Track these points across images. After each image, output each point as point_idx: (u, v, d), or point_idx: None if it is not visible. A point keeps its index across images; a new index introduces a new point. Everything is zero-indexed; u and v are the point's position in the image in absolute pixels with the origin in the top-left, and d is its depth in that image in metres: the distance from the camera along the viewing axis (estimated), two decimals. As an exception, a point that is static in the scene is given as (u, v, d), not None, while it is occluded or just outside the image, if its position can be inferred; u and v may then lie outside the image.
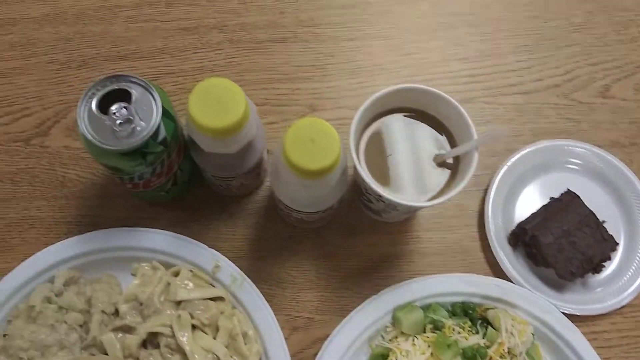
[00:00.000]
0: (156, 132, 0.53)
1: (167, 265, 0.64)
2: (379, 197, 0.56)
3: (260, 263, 0.66)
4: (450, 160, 0.58)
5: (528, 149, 0.70)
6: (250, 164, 0.60)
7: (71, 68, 0.72)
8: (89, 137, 0.52)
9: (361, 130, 0.59)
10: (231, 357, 0.60)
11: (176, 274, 0.63)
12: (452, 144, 0.59)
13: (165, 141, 0.54)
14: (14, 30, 0.73)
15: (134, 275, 0.65)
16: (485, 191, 0.69)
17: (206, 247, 0.64)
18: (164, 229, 0.65)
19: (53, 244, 0.64)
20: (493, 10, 0.78)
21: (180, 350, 0.59)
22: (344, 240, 0.68)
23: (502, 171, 0.69)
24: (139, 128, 0.53)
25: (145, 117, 0.53)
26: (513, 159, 0.70)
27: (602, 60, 0.76)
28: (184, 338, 0.59)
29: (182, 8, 0.75)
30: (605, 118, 0.73)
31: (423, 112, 0.60)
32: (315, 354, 0.62)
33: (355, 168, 0.56)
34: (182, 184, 0.65)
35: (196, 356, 0.58)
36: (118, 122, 0.52)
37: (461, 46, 0.76)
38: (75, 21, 0.74)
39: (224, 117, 0.51)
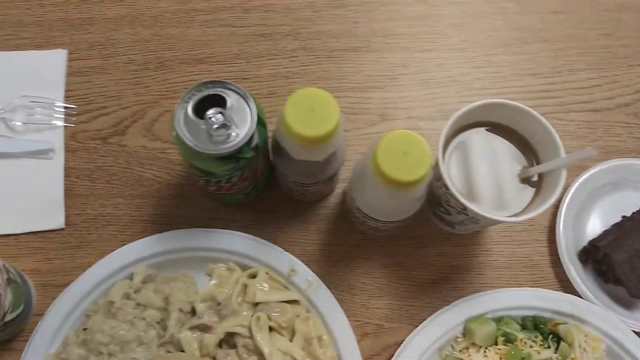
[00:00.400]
0: (251, 138, 0.54)
1: (243, 267, 0.65)
2: (463, 210, 0.57)
3: (331, 268, 0.67)
4: (534, 178, 0.59)
5: (599, 167, 0.71)
6: (332, 171, 0.61)
7: (148, 69, 0.74)
8: (186, 140, 0.53)
9: (446, 143, 0.59)
10: (309, 356, 0.60)
11: (252, 276, 0.64)
12: (535, 161, 0.59)
13: (257, 147, 0.55)
14: (92, 29, 0.75)
15: (209, 275, 0.66)
16: (557, 207, 0.69)
17: (282, 250, 0.65)
18: (239, 231, 0.66)
19: (129, 241, 0.65)
20: (565, 26, 0.78)
21: (257, 351, 0.60)
22: (413, 250, 0.68)
23: (573, 188, 0.69)
24: (234, 134, 0.54)
25: (240, 123, 0.54)
26: (584, 176, 0.70)
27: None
28: (262, 339, 0.59)
29: (258, 14, 0.77)
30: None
31: (506, 126, 0.60)
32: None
33: (441, 179, 0.56)
34: (260, 187, 0.66)
35: (274, 358, 0.59)
36: (215, 126, 0.53)
37: (533, 61, 0.76)
38: (153, 23, 0.76)
39: (318, 126, 0.52)
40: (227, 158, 0.54)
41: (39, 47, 0.74)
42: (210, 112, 0.53)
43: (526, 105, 0.57)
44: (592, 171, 0.70)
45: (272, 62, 0.75)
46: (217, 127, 0.53)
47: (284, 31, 0.76)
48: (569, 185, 0.70)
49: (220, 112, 0.53)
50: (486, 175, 0.59)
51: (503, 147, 0.60)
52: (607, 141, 0.73)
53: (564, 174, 0.55)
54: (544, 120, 0.56)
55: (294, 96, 0.53)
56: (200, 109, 0.54)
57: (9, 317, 0.58)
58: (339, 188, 0.71)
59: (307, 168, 0.59)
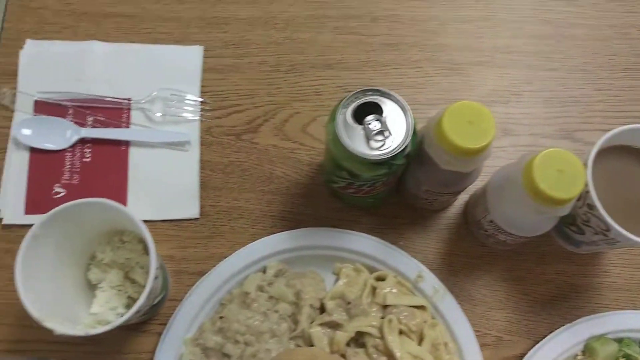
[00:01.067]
0: (405, 148, 0.56)
1: (370, 269, 0.67)
2: (604, 231, 0.58)
3: (451, 277, 0.69)
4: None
5: None
6: (470, 182, 0.62)
7: (280, 71, 0.76)
8: (345, 142, 0.55)
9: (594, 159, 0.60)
10: (436, 364, 0.62)
11: (379, 279, 0.66)
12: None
13: (409, 155, 0.57)
14: (227, 29, 0.78)
15: (334, 274, 0.68)
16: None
17: (409, 256, 0.67)
18: (364, 233, 0.68)
19: (259, 235, 0.68)
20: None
21: (387, 352, 0.62)
22: (534, 266, 0.70)
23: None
24: (389, 141, 0.55)
25: (395, 131, 0.56)
26: None
27: None
28: (393, 342, 0.61)
29: (385, 24, 0.79)
30: None
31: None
32: (503, 373, 0.64)
33: (587, 199, 0.57)
34: (389, 193, 0.68)
35: (404, 360, 0.61)
36: (374, 132, 0.55)
37: (657, 86, 0.77)
38: (285, 27, 0.78)
39: (476, 138, 0.54)
40: (381, 164, 0.56)
41: (177, 42, 0.77)
42: (369, 118, 0.55)
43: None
44: None
45: (397, 71, 0.77)
46: (375, 133, 0.55)
47: (410, 42, 0.78)
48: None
49: (378, 119, 0.55)
50: (630, 198, 0.60)
51: (641, 171, 0.61)
52: None
53: None
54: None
55: (452, 108, 0.55)
56: (357, 115, 0.56)
57: (155, 301, 0.61)
58: (461, 199, 0.72)
59: (449, 178, 0.61)
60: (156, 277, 0.54)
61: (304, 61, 0.77)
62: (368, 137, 0.55)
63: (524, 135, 0.74)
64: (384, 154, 0.55)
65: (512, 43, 0.79)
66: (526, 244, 0.70)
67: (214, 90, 0.75)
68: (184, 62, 0.76)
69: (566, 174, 0.54)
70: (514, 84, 0.77)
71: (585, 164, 0.58)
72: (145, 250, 0.62)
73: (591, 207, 0.57)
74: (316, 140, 0.73)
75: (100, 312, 0.60)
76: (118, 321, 0.52)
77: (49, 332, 0.53)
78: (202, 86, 0.75)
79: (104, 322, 0.57)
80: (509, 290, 0.69)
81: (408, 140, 0.56)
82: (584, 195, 0.58)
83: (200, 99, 0.74)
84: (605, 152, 0.61)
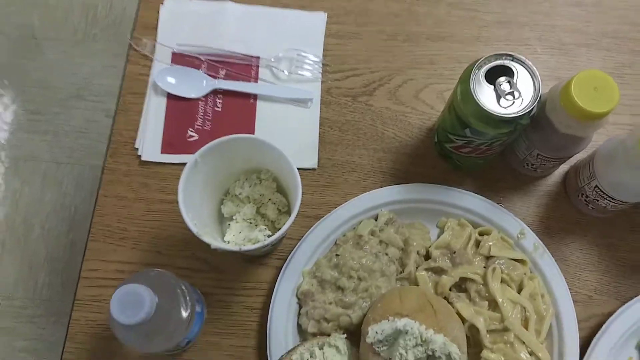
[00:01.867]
0: (532, 110, 0.61)
1: (474, 224, 0.73)
2: None
3: (548, 239, 0.73)
4: None
5: None
6: (582, 148, 0.67)
7: (397, 40, 0.82)
8: (477, 99, 0.60)
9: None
10: (533, 312, 0.67)
11: (483, 234, 0.72)
12: None
13: (533, 117, 0.63)
14: (350, -2, 0.84)
15: (439, 227, 0.74)
16: None
17: (513, 215, 0.72)
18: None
19: (370, 188, 0.75)
20: None
21: (489, 298, 0.67)
22: (627, 234, 0.74)
23: None
24: (518, 101, 0.61)
25: (524, 92, 0.61)
26: None
27: None
28: (496, 288, 0.67)
29: (498, 2, 0.84)
30: None
31: None
32: (592, 327, 0.69)
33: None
34: (495, 156, 0.73)
35: (506, 305, 0.66)
36: (506, 92, 0.60)
37: None
38: (404, 0, 0.84)
39: (602, 104, 0.59)
40: (507, 122, 0.61)
41: (303, 7, 0.84)
42: (501, 79, 0.61)
43: None
44: None
45: (507, 47, 0.82)
46: (507, 94, 0.61)
47: (521, 21, 0.83)
48: None
49: (509, 81, 0.61)
50: None
51: None
52: None
53: None
54: None
55: (580, 74, 0.60)
56: (489, 76, 0.62)
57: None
58: (560, 169, 0.77)
59: (564, 143, 0.66)
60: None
61: (420, 32, 0.83)
62: (499, 96, 0.61)
63: (625, 115, 0.79)
64: (513, 113, 0.61)
65: (619, 29, 0.83)
66: (619, 214, 0.74)
67: (335, 54, 0.82)
68: (309, 26, 0.83)
69: (681, 141, 0.58)
70: (617, 66, 0.81)
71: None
72: (278, 189, 0.69)
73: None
74: (427, 105, 0.79)
75: (232, 241, 0.67)
76: (268, 240, 0.59)
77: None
78: (324, 50, 0.82)
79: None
80: (601, 254, 0.74)
81: (536, 102, 0.61)
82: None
83: (322, 61, 0.81)
84: None
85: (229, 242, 0.68)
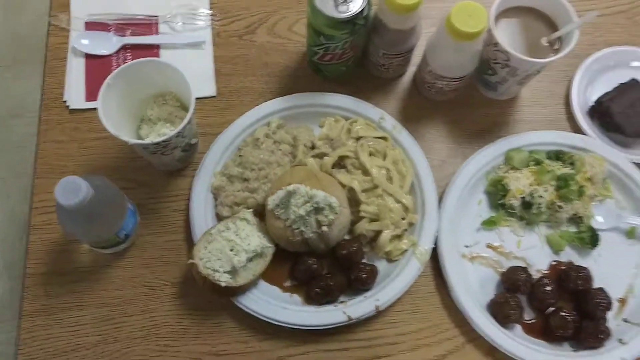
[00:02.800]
0: (362, 10, 0.80)
1: (346, 119, 0.91)
2: (506, 61, 0.83)
3: (405, 122, 0.92)
4: (556, 45, 0.84)
5: (602, 52, 0.97)
6: (414, 42, 0.87)
7: (268, -12, 1.01)
8: (322, 9, 0.79)
9: (496, 17, 0.85)
10: (396, 172, 0.86)
11: (353, 123, 0.91)
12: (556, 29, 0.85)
13: (366, 18, 0.82)
14: (225, -38, 1.02)
15: (320, 126, 0.92)
16: (570, 80, 0.95)
17: (374, 105, 0.91)
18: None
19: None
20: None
21: (361, 167, 0.86)
22: (466, 111, 0.95)
23: (582, 67, 0.96)
24: (352, 6, 0.80)
25: (356, 0, 0.80)
26: (590, 59, 0.96)
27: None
28: (365, 158, 0.85)
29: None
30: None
31: (534, 9, 0.86)
32: (445, 184, 0.88)
33: (492, 39, 0.82)
34: (354, 64, 0.92)
35: (373, 170, 0.85)
36: (341, 1, 0.79)
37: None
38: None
39: (409, -2, 0.79)
40: (347, 22, 0.80)
41: (188, -26, 1.01)
42: (336, -9, 0.80)
43: None
44: (597, 54, 0.96)
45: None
46: (342, 2, 0.80)
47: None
48: (580, 64, 0.95)
49: (343, -7, 0.80)
50: (524, 42, 0.85)
51: (536, 23, 0.86)
52: (608, 37, 0.99)
53: (576, 33, 0.81)
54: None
55: (391, -20, 0.80)
56: (328, -8, 0.81)
57: (193, 141, 0.85)
58: (410, 72, 0.97)
59: (397, 37, 0.85)
60: (190, 120, 0.77)
61: (287, -20, 1.02)
62: (336, 4, 0.80)
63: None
64: (348, 14, 0.79)
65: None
66: (460, 97, 0.94)
67: (220, 6, 1.00)
68: (195, -13, 1.00)
69: (474, 17, 0.78)
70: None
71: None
72: (183, 107, 0.86)
73: (495, 44, 0.82)
74: (300, 35, 0.98)
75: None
76: (174, 131, 0.75)
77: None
78: (211, 3, 1.00)
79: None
80: (449, 128, 0.94)
81: (364, 4, 0.80)
82: (490, 39, 0.83)
83: (210, 12, 0.99)
84: (509, 11, 0.86)
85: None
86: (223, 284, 0.77)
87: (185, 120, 0.76)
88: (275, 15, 0.99)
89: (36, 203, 0.87)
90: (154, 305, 0.83)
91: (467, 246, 0.88)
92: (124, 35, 0.96)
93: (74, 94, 0.93)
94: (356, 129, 0.89)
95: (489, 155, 0.89)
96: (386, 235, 0.84)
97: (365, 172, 0.86)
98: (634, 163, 0.89)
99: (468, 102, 0.95)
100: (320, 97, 0.92)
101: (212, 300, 0.83)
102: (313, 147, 0.90)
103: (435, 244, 0.85)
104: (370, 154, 0.87)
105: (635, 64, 0.97)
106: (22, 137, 1.78)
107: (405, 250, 0.85)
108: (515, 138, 0.90)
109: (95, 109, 0.77)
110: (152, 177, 0.89)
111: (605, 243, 0.88)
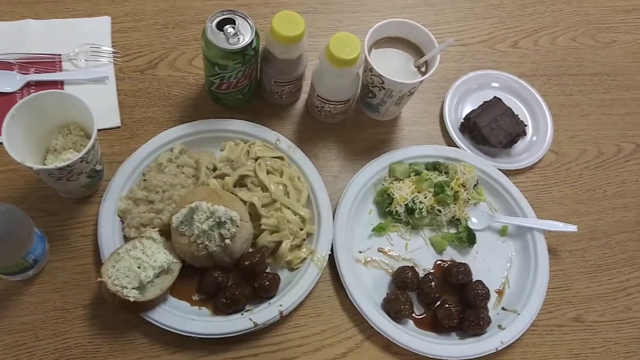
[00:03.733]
0: (251, 42, 0.89)
1: (244, 142, 0.99)
2: (381, 84, 0.94)
3: (302, 144, 1.01)
4: (423, 68, 0.97)
5: (468, 75, 1.11)
6: (301, 70, 0.97)
7: (168, 28, 1.09)
8: (214, 42, 0.88)
9: (370, 46, 0.96)
10: (293, 188, 0.94)
11: (251, 145, 0.99)
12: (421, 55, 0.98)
13: (255, 49, 0.91)
14: (126, 4, 1.10)
15: (222, 150, 0.99)
16: (442, 101, 1.08)
17: (270, 129, 1.00)
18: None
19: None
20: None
21: (260, 184, 0.93)
22: (354, 131, 1.05)
23: (452, 87, 1.09)
24: (241, 40, 0.89)
25: (245, 34, 0.89)
26: (460, 80, 1.10)
27: (512, 26, 1.19)
28: (263, 177, 0.93)
29: (239, -8, 1.14)
30: (515, 59, 1.15)
31: (404, 39, 0.99)
32: (339, 197, 0.98)
33: (368, 66, 0.93)
34: (250, 92, 1.01)
35: (272, 186, 0.93)
36: (231, 34, 0.88)
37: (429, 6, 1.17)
38: (168, -1, 1.11)
39: (293, 30, 0.89)
40: (238, 53, 0.89)
41: (91, 15, 1.08)
42: (227, 26, 0.89)
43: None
44: (463, 78, 1.10)
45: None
46: (232, 35, 0.88)
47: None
48: (450, 86, 1.09)
49: (233, 27, 0.89)
50: (396, 67, 0.97)
51: (404, 52, 0.98)
52: (471, 62, 1.14)
53: (438, 57, 0.93)
54: (424, 28, 0.95)
55: (277, 16, 0.89)
56: (219, 26, 0.89)
57: (98, 167, 0.90)
58: (302, 99, 1.06)
59: (285, 66, 0.95)
60: (93, 145, 0.83)
61: (184, 20, 1.10)
62: (227, 38, 0.88)
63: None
64: (238, 46, 0.88)
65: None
66: (348, 119, 1.05)
67: (122, 44, 1.06)
68: (98, 27, 1.07)
69: (350, 46, 0.89)
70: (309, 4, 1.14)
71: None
72: (87, 136, 0.90)
73: (371, 69, 0.93)
74: (199, 69, 1.06)
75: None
76: (77, 156, 0.80)
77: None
78: (113, 42, 1.06)
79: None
80: (339, 147, 1.03)
81: (252, 37, 0.89)
82: (366, 65, 0.94)
83: (112, 49, 1.05)
84: (382, 40, 0.98)
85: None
86: (132, 299, 0.81)
87: (88, 145, 0.81)
88: (174, 51, 1.07)
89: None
90: (65, 327, 0.86)
91: (360, 251, 0.96)
92: (28, 73, 1.01)
93: (-20, 130, 0.95)
94: (254, 150, 0.96)
95: (374, 169, 0.99)
96: (286, 245, 0.91)
97: (264, 189, 0.93)
98: (500, 170, 1.02)
99: (355, 124, 1.06)
100: (220, 122, 1.00)
101: (123, 319, 0.87)
102: (215, 169, 0.97)
103: (332, 251, 0.93)
104: (268, 172, 0.95)
105: (495, 84, 1.12)
106: None
107: (305, 259, 0.93)
108: (396, 152, 1.01)
109: (1, 143, 0.80)
110: (59, 205, 0.93)
111: (482, 241, 0.99)
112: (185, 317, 0.86)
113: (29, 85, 1.00)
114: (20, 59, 1.02)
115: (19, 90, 0.99)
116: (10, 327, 0.85)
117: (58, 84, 1.01)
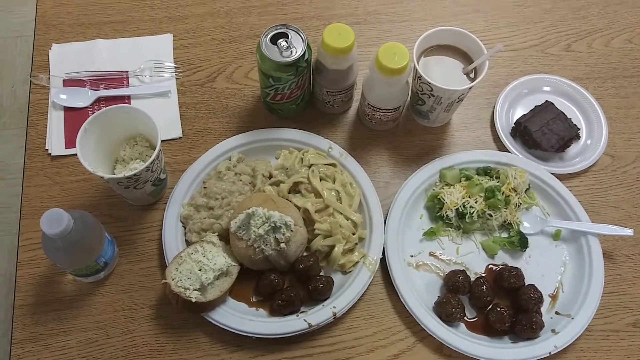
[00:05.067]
0: (303, 55, 0.93)
1: (298, 150, 1.03)
2: (430, 91, 0.96)
3: (353, 151, 1.04)
4: (472, 74, 0.98)
5: (519, 80, 1.11)
6: (352, 80, 1.00)
7: (225, 43, 1.14)
8: (268, 55, 0.92)
9: (419, 55, 0.99)
10: (345, 194, 0.98)
11: (305, 154, 1.03)
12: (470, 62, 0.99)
13: (307, 61, 0.95)
14: (187, 21, 1.16)
15: (277, 158, 1.04)
16: (493, 106, 1.09)
17: (323, 137, 1.03)
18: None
19: (224, 142, 1.04)
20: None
21: (314, 190, 0.97)
22: (405, 138, 1.07)
23: (503, 93, 1.09)
24: (294, 53, 0.93)
25: (297, 47, 0.94)
26: (510, 86, 1.10)
27: (564, 29, 1.18)
28: (317, 183, 0.97)
29: (293, 5, 1.18)
30: (568, 63, 1.14)
31: (454, 46, 1.01)
32: (390, 202, 1.00)
33: (417, 74, 0.96)
34: (304, 102, 1.05)
35: (325, 192, 0.96)
36: (284, 48, 0.93)
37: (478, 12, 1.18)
38: (225, 15, 1.17)
39: (343, 42, 0.92)
40: (291, 65, 0.93)
41: (154, 33, 1.15)
42: (280, 40, 0.93)
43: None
44: (515, 82, 1.10)
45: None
46: (285, 49, 0.93)
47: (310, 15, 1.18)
48: (501, 91, 1.09)
49: (286, 41, 0.93)
50: (445, 74, 0.99)
51: (453, 59, 1.00)
52: (524, 67, 1.14)
53: (486, 63, 0.95)
54: (472, 35, 0.97)
55: (327, 29, 0.93)
56: (273, 40, 0.94)
57: (162, 176, 0.96)
58: (354, 107, 1.10)
59: (336, 76, 0.99)
60: (158, 155, 0.88)
61: (240, 35, 1.15)
62: (280, 51, 0.93)
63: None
64: (291, 59, 0.93)
65: None
66: (398, 126, 1.07)
67: (182, 60, 1.13)
68: (161, 44, 1.14)
69: (398, 55, 0.92)
70: (362, 15, 1.17)
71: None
72: (152, 147, 0.97)
73: (420, 77, 0.95)
74: (255, 81, 1.11)
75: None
76: (143, 165, 0.86)
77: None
78: (175, 57, 1.13)
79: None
80: (390, 154, 1.06)
81: (304, 49, 0.93)
82: (416, 73, 0.97)
83: (174, 65, 1.12)
84: (431, 49, 1.00)
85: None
86: (194, 300, 0.86)
87: (154, 155, 0.87)
88: (232, 65, 1.12)
89: (23, 241, 0.96)
90: (133, 326, 0.92)
91: (412, 255, 0.98)
92: (98, 89, 1.08)
93: (55, 143, 1.04)
94: (308, 157, 1.00)
95: (425, 175, 1.01)
96: (338, 249, 0.94)
97: (318, 195, 0.97)
98: (553, 174, 1.02)
99: (406, 130, 1.08)
100: (275, 132, 1.04)
101: (186, 319, 0.92)
102: (270, 177, 1.01)
103: (383, 255, 0.96)
104: (321, 179, 0.99)
105: (547, 88, 1.11)
106: (6, 199, 1.87)
107: (357, 262, 0.96)
108: (447, 158, 1.02)
109: (74, 155, 0.87)
110: (127, 212, 0.99)
111: (534, 245, 0.99)
112: (243, 317, 0.90)
113: (99, 100, 1.08)
114: (91, 76, 1.09)
115: (90, 105, 1.07)
116: (84, 325, 0.92)
117: (125, 99, 1.08)
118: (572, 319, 0.93)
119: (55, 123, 1.05)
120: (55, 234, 0.78)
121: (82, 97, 1.07)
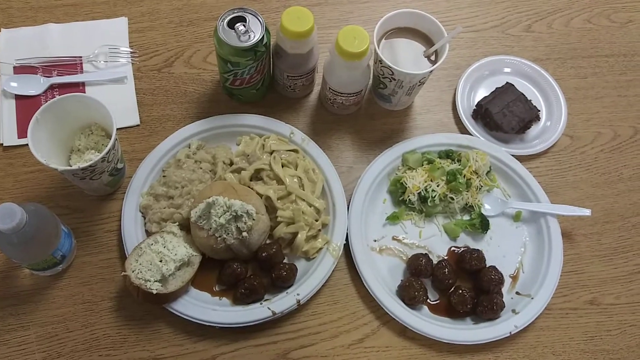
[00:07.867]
0: (262, 39, 0.91)
1: (259, 136, 1.02)
2: (391, 75, 0.95)
3: (315, 137, 1.03)
4: (432, 57, 0.98)
5: (480, 62, 1.11)
6: (312, 64, 0.99)
7: (182, 26, 1.11)
8: (225, 41, 0.90)
9: (380, 38, 0.97)
10: (307, 180, 0.97)
11: (266, 139, 1.01)
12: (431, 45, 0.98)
13: (266, 45, 0.93)
14: (142, 4, 1.12)
15: (238, 145, 1.02)
16: (455, 89, 1.09)
17: (284, 122, 1.02)
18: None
19: (184, 128, 1.02)
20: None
21: (275, 177, 0.96)
22: (367, 121, 1.06)
23: (464, 75, 1.09)
24: (252, 37, 0.91)
25: (255, 30, 0.91)
26: (471, 68, 1.10)
27: (525, 9, 1.18)
28: (278, 169, 0.96)
29: (251, -13, 1.15)
30: (528, 44, 1.15)
31: (414, 29, 1.00)
32: (353, 187, 1.00)
33: (377, 58, 0.95)
34: (264, 87, 1.03)
35: (287, 179, 0.95)
36: (242, 32, 0.90)
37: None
38: (182, -2, 1.14)
39: (302, 25, 0.90)
40: (249, 50, 0.91)
41: (108, 17, 1.11)
42: (238, 24, 0.91)
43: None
44: (476, 64, 1.10)
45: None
46: (243, 33, 0.91)
47: (270, -3, 1.15)
48: (462, 73, 1.09)
49: (243, 25, 0.91)
50: (406, 57, 0.98)
51: (414, 41, 0.99)
52: (485, 48, 1.14)
53: (447, 46, 0.94)
54: (432, 17, 0.96)
55: (286, 12, 0.91)
56: (230, 24, 0.91)
57: (119, 166, 0.93)
58: (316, 91, 1.08)
59: (296, 60, 0.97)
60: (114, 145, 0.86)
61: (198, 18, 1.12)
62: (238, 35, 0.91)
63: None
64: (249, 43, 0.90)
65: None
66: (361, 110, 1.06)
67: (139, 44, 1.09)
68: (116, 28, 1.10)
69: (358, 39, 0.91)
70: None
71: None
72: (108, 136, 0.94)
73: (380, 61, 0.94)
74: (213, 65, 1.08)
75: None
76: (99, 156, 0.84)
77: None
78: (130, 42, 1.09)
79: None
80: (352, 138, 1.05)
81: (262, 34, 0.91)
82: (376, 57, 0.96)
83: (130, 49, 1.08)
84: (392, 32, 0.99)
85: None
86: (154, 292, 0.85)
87: (109, 146, 0.84)
88: (190, 49, 1.10)
89: (-25, 236, 0.93)
90: (94, 319, 0.90)
91: (375, 240, 0.98)
92: (51, 76, 1.05)
93: (7, 133, 1.00)
94: (269, 144, 0.99)
95: (387, 159, 1.01)
96: (302, 236, 0.94)
97: (280, 182, 0.96)
98: (514, 155, 1.03)
99: (368, 114, 1.07)
100: (235, 118, 1.02)
101: (148, 310, 0.91)
102: (231, 164, 0.99)
103: (347, 240, 0.95)
104: (283, 165, 0.97)
105: (507, 70, 1.12)
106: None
107: (320, 249, 0.95)
108: (409, 142, 1.02)
109: (27, 145, 0.84)
110: (84, 202, 0.97)
111: (495, 227, 1.00)
112: (206, 307, 0.89)
113: (52, 87, 1.04)
114: (43, 62, 1.05)
115: (43, 92, 1.03)
116: (43, 320, 0.90)
117: (79, 86, 1.05)
118: (532, 298, 0.94)
119: (7, 112, 1.01)
120: (8, 229, 0.75)
121: (34, 85, 1.03)
